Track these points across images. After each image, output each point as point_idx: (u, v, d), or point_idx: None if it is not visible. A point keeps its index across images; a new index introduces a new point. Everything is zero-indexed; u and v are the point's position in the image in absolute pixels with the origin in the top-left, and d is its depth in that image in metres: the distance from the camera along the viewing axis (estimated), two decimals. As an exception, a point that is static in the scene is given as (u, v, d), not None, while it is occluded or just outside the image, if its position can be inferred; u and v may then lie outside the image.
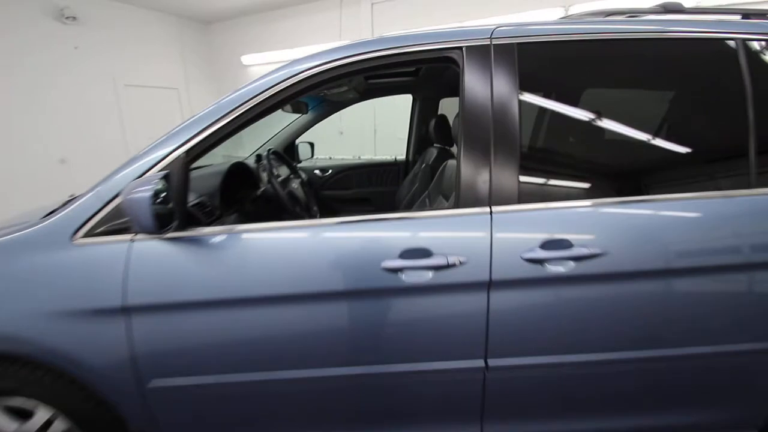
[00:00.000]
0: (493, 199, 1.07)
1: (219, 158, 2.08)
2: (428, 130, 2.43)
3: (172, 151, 1.08)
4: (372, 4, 5.36)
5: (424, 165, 2.28)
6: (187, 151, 1.09)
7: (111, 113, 5.34)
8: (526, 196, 1.08)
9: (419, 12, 5.00)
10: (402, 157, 2.98)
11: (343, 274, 1.07)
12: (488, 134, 1.08)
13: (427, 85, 2.67)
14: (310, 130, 2.77)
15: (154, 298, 1.06)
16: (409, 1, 5.11)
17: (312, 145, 2.90)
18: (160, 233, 1.01)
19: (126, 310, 1.06)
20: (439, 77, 2.56)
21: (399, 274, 1.06)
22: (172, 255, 1.07)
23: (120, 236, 1.08)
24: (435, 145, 2.45)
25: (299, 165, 2.83)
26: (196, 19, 6.45)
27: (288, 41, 5.78)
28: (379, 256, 1.06)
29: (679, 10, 1.26)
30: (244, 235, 1.09)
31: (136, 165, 1.10)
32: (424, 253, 1.05)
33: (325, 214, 2.61)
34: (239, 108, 1.10)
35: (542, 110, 1.18)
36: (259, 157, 1.83)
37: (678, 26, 1.12)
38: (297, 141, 2.78)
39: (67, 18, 4.80)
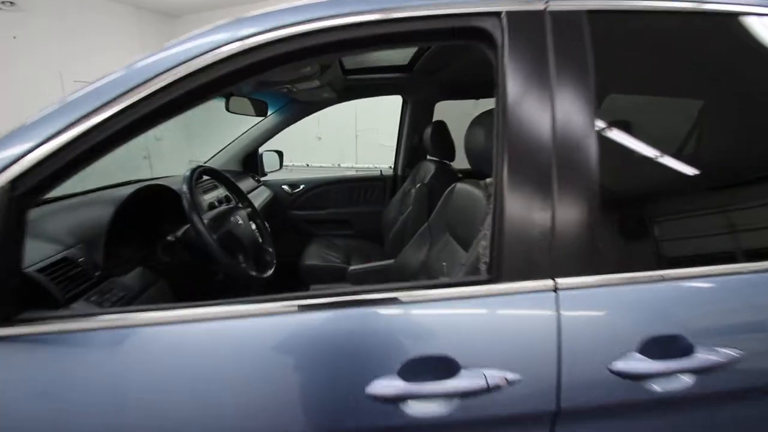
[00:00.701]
0: (557, 266, 0.63)
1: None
2: (422, 140, 1.98)
3: None
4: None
5: (419, 185, 1.83)
6: (14, 181, 0.60)
7: (57, 112, 4.72)
8: (613, 260, 0.66)
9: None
10: (388, 168, 2.51)
11: (298, 406, 0.60)
12: (548, 158, 0.64)
13: (422, 84, 2.21)
14: (281, 135, 2.26)
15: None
16: None
17: (280, 154, 2.40)
18: None
19: None
20: (436, 75, 2.12)
21: (399, 405, 0.59)
22: None
23: None
24: (429, 158, 2.00)
25: (264, 179, 2.33)
26: (161, 12, 5.94)
27: (262, 37, 5.32)
28: (361, 374, 0.59)
29: None
30: (122, 327, 0.61)
31: None
32: (444, 365, 0.59)
33: (292, 241, 2.12)
34: (121, 100, 0.61)
35: (634, 120, 0.74)
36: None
37: None
38: (261, 149, 2.28)
39: (3, 3, 4.22)
